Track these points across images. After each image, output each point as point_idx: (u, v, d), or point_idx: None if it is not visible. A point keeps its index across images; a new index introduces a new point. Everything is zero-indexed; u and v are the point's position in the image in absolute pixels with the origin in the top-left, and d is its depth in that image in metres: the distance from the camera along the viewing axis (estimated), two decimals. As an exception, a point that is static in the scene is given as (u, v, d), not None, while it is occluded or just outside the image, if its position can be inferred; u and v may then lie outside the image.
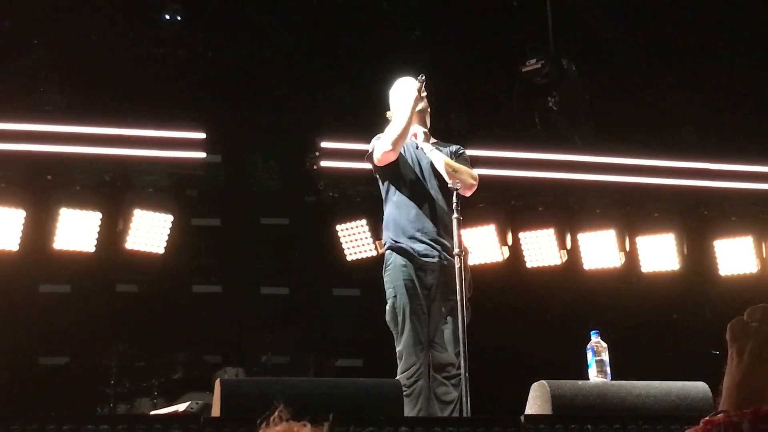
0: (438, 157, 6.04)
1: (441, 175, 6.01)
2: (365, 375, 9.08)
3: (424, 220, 5.99)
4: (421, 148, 6.12)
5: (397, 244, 5.98)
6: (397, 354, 5.90)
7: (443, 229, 5.97)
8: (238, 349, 10.15)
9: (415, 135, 6.12)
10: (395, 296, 5.93)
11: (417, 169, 6.09)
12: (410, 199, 6.04)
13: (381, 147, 5.98)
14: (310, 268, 10.60)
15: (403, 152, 6.08)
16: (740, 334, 1.47)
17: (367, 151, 6.16)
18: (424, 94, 6.10)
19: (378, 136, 6.14)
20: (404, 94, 6.12)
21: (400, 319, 5.89)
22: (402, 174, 6.08)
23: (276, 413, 1.57)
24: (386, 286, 6.01)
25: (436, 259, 5.93)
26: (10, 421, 4.53)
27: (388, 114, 6.22)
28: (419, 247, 5.95)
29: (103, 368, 9.21)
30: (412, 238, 5.96)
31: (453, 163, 6.01)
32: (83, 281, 9.77)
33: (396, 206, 6.07)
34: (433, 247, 5.94)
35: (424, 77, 6.07)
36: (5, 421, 4.54)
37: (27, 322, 9.39)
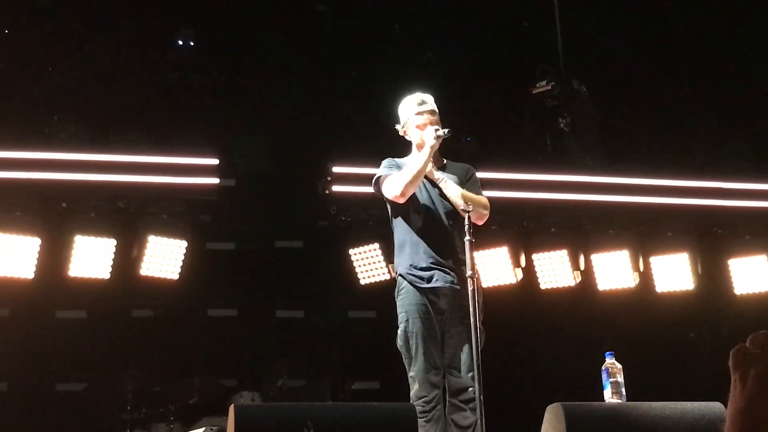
0: (452, 189, 5.98)
1: (450, 199, 6.00)
2: (382, 397, 9.05)
3: (434, 247, 5.93)
4: (433, 180, 6.05)
5: (408, 271, 5.95)
6: (410, 379, 5.85)
7: (453, 255, 5.92)
8: (254, 373, 10.15)
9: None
10: (407, 320, 5.88)
11: (426, 197, 6.02)
12: (420, 226, 5.98)
13: (391, 190, 5.91)
14: (325, 290, 10.59)
15: None
16: (743, 361, 1.47)
17: (374, 176, 6.13)
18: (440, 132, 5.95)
19: (386, 163, 6.09)
20: (425, 140, 5.92)
21: (412, 343, 5.85)
22: (412, 202, 6.00)
23: None
24: (399, 310, 5.96)
25: (447, 285, 5.89)
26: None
27: (398, 127, 6.17)
28: (430, 273, 5.90)
29: (120, 394, 9.21)
30: (421, 266, 5.92)
31: (467, 194, 5.93)
32: (99, 307, 9.79)
33: (406, 232, 6.00)
34: (444, 273, 5.92)
35: (448, 132, 5.90)
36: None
37: (44, 348, 9.43)
